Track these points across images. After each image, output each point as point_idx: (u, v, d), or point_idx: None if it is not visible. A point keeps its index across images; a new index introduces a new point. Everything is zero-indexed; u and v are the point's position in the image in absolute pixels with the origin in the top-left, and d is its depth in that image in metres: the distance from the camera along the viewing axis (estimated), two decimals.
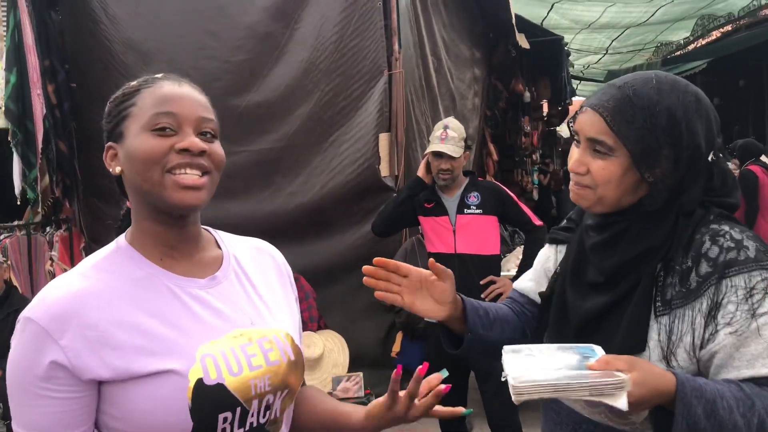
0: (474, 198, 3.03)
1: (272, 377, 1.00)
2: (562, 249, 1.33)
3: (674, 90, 1.11)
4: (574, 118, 1.20)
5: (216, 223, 1.16)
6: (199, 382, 0.92)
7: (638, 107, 1.10)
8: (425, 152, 3.18)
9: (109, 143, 1.02)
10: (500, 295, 2.94)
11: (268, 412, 1.00)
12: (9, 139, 4.11)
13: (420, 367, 1.03)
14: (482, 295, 2.96)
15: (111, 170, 1.01)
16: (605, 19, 8.49)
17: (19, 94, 4.07)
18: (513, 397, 0.95)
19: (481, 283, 2.99)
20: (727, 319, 1.05)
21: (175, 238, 1.02)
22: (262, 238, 1.23)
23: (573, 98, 9.41)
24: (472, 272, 2.97)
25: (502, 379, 1.00)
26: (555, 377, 0.95)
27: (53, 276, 4.07)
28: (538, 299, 1.35)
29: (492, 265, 3.08)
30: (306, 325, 3.58)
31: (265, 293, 1.11)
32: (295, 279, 4.34)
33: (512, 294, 1.44)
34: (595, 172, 1.13)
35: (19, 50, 4.08)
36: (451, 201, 3.07)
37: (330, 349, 3.82)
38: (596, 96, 1.16)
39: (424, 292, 1.23)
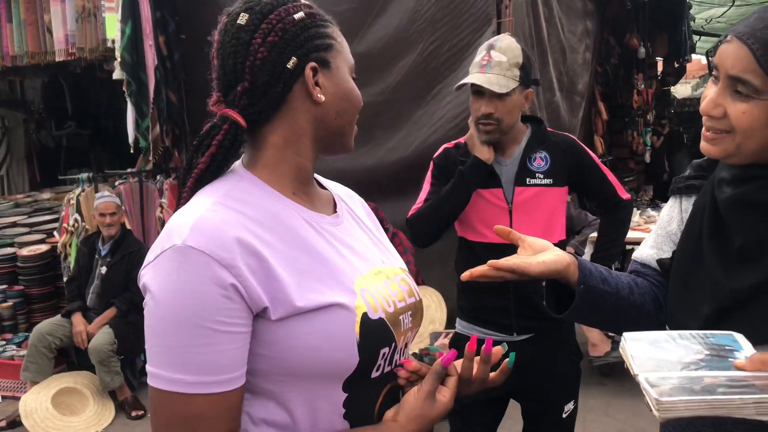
0: (541, 161, 2.02)
1: (412, 314, 0.99)
2: (687, 206, 1.14)
3: None
4: (715, 49, 0.99)
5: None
6: (365, 316, 0.88)
7: None
8: (456, 86, 2.12)
9: (314, 64, 0.92)
10: None
11: (405, 350, 0.99)
12: (124, 89, 4.28)
13: (468, 343, 0.94)
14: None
15: (313, 94, 0.92)
16: None
17: (134, 45, 4.23)
18: (657, 414, 0.78)
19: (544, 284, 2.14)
20: None
21: (308, 175, 0.98)
22: (361, 192, 1.21)
23: (692, 55, 8.74)
24: None
25: (634, 376, 0.84)
26: (705, 388, 0.78)
27: (163, 222, 4.23)
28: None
29: None
30: None
31: (378, 235, 1.09)
32: (394, 234, 4.26)
33: (633, 267, 1.24)
34: (734, 117, 0.95)
35: (133, 2, 4.23)
36: (507, 165, 2.04)
37: (427, 305, 3.77)
38: (748, 22, 0.94)
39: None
